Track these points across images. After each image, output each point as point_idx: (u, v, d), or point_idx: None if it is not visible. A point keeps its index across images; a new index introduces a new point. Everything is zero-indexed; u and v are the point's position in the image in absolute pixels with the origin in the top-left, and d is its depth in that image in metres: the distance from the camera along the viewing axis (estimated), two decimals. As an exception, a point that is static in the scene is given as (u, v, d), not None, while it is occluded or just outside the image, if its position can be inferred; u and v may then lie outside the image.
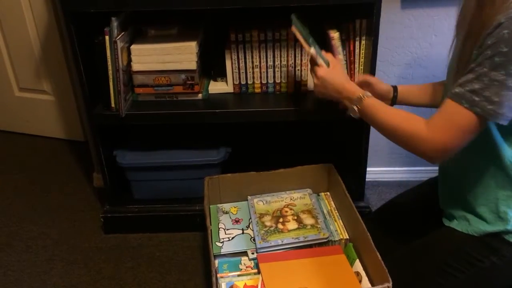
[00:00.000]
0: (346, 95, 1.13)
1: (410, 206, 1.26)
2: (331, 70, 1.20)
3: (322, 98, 1.24)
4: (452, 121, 0.90)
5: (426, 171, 1.85)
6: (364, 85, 1.24)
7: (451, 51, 1.04)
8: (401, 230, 1.23)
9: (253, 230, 1.29)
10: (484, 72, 0.85)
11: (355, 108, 1.09)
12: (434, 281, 1.04)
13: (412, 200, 1.27)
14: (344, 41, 1.44)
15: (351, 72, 1.49)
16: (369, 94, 1.09)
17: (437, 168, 1.14)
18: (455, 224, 1.07)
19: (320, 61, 1.22)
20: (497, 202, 1.00)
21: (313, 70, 1.23)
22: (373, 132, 1.39)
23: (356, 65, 1.51)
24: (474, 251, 1.01)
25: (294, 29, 1.29)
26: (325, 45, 1.43)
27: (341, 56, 1.44)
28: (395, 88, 1.27)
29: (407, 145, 0.97)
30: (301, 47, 1.51)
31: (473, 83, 0.86)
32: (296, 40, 1.50)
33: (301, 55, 1.52)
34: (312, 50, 1.24)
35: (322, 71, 1.20)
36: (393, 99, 1.27)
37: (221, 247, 1.23)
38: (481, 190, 1.01)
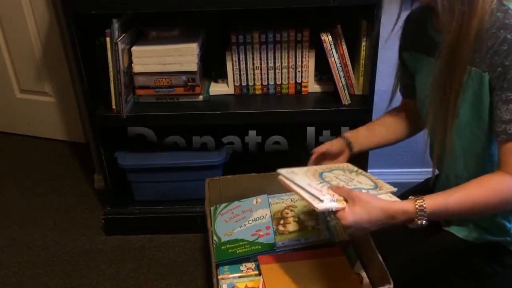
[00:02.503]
0: (398, 221, 0.88)
1: None
2: (355, 209, 0.87)
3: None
4: None
5: (425, 173, 1.84)
6: (321, 159, 1.15)
7: (426, 85, 1.02)
8: (401, 230, 1.23)
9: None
10: None
11: (422, 223, 0.87)
12: (434, 287, 1.04)
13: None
14: (336, 44, 1.44)
15: (347, 75, 1.49)
16: (420, 201, 0.86)
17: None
18: (455, 230, 1.05)
19: (334, 205, 0.90)
20: (495, 214, 0.98)
21: (333, 218, 1.05)
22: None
23: (356, 67, 1.51)
24: (476, 259, 1.01)
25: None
26: (323, 48, 1.43)
27: (334, 59, 1.44)
28: (345, 140, 1.16)
29: (508, 203, 0.88)
30: (303, 49, 1.51)
31: None
32: (297, 42, 1.50)
33: (302, 57, 1.52)
34: (319, 205, 0.90)
35: (346, 216, 0.87)
36: (350, 151, 1.17)
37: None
38: None
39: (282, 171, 1.03)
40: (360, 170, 1.10)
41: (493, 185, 0.86)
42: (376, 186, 0.99)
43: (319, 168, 1.08)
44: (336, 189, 0.92)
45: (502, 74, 0.84)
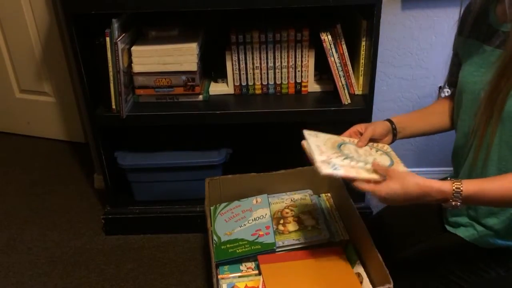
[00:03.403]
0: (433, 199, 0.89)
1: (411, 207, 1.26)
2: (390, 183, 0.89)
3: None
4: None
5: (428, 172, 1.85)
6: (358, 134, 1.13)
7: (476, 73, 0.99)
8: (402, 231, 1.23)
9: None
10: None
11: (457, 203, 0.88)
12: None
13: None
14: (336, 44, 1.44)
15: (346, 74, 1.49)
16: (458, 183, 0.87)
17: (438, 169, 1.14)
18: (461, 232, 1.05)
19: (367, 175, 0.92)
20: (511, 216, 0.98)
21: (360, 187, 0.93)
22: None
23: (356, 66, 1.51)
24: (480, 262, 1.01)
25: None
26: (322, 48, 1.43)
27: (333, 58, 1.44)
28: (392, 125, 1.14)
29: None
30: (302, 48, 1.51)
31: None
32: (296, 42, 1.50)
33: (302, 56, 1.52)
34: (351, 172, 0.93)
35: (380, 190, 0.89)
36: (394, 137, 1.15)
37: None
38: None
39: (306, 132, 1.07)
40: (392, 152, 1.07)
41: None
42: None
43: (346, 139, 1.09)
44: (374, 165, 0.95)
45: None
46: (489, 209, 1.00)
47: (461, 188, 0.86)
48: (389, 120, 1.14)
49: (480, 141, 0.95)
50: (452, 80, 1.12)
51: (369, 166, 0.95)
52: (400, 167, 1.00)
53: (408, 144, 1.86)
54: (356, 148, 1.06)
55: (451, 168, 1.15)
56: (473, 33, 1.02)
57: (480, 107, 0.94)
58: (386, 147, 1.10)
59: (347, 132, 1.12)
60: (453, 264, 1.03)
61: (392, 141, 1.14)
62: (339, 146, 1.04)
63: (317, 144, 1.02)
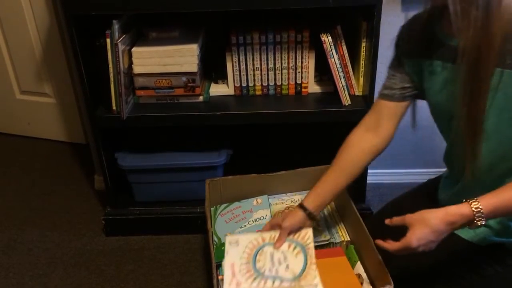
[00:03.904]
0: (458, 225, 0.89)
1: (411, 207, 1.26)
2: (415, 230, 0.90)
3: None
4: None
5: (426, 173, 1.84)
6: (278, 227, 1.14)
7: (443, 91, 0.98)
8: (402, 232, 1.23)
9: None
10: None
11: (482, 223, 0.87)
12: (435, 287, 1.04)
13: (413, 201, 1.27)
14: (336, 45, 1.44)
15: (347, 75, 1.49)
16: (475, 203, 0.86)
17: (437, 170, 1.13)
18: (461, 232, 1.05)
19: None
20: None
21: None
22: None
23: (356, 67, 1.51)
24: (478, 259, 1.01)
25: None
26: (323, 49, 1.44)
27: (334, 59, 1.44)
28: (306, 211, 1.12)
29: None
30: (303, 50, 1.51)
31: None
32: (296, 43, 1.50)
33: (302, 58, 1.52)
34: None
35: (410, 242, 0.90)
36: (313, 219, 1.15)
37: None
38: None
39: (228, 239, 1.16)
40: (310, 245, 1.11)
41: None
42: (296, 277, 1.07)
43: (266, 236, 1.14)
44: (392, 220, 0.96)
45: None
46: None
47: (480, 207, 0.85)
48: (302, 207, 1.12)
49: (469, 155, 0.95)
50: (385, 93, 1.08)
51: (277, 283, 1.05)
52: (311, 269, 1.07)
53: (405, 145, 1.86)
54: (273, 252, 1.11)
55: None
56: (423, 53, 0.99)
57: (459, 126, 0.93)
58: (306, 238, 1.12)
59: (267, 225, 1.17)
60: (451, 262, 1.03)
61: (314, 222, 1.16)
62: (256, 254, 1.11)
63: (232, 262, 1.11)
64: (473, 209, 0.86)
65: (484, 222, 0.86)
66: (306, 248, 1.11)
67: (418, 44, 1.00)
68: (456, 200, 1.05)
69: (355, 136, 1.13)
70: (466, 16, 0.81)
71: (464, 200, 0.87)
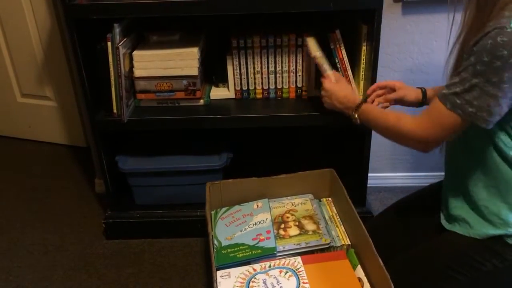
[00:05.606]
0: (348, 105, 1.23)
1: (412, 211, 1.26)
2: (336, 84, 1.32)
3: (329, 108, 1.34)
4: (436, 120, 0.96)
5: (427, 177, 1.85)
6: (389, 89, 1.31)
7: (451, 57, 1.04)
8: (403, 235, 1.23)
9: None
10: (467, 77, 0.89)
11: (355, 114, 1.19)
12: (436, 285, 1.04)
13: (414, 205, 1.27)
14: (335, 49, 1.44)
15: (347, 79, 1.48)
16: (367, 102, 1.18)
17: (438, 173, 1.14)
18: (456, 228, 1.07)
19: (327, 72, 1.36)
20: (500, 205, 0.99)
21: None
22: (375, 137, 1.39)
23: (356, 71, 1.52)
24: (476, 255, 1.01)
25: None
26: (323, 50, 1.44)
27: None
28: (423, 93, 1.27)
29: (399, 141, 1.07)
30: (303, 53, 1.52)
31: (457, 86, 0.91)
32: (297, 46, 1.50)
33: (302, 61, 1.53)
34: (325, 65, 1.36)
35: (328, 83, 1.33)
36: (421, 103, 1.28)
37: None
38: (486, 192, 1.01)
39: (219, 272, 1.15)
40: (300, 269, 1.14)
41: (401, 123, 1.03)
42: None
43: (254, 269, 1.15)
44: (334, 72, 1.37)
45: (468, 55, 0.89)
46: (485, 201, 1.01)
47: (361, 105, 1.18)
48: (422, 91, 1.27)
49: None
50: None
51: None
52: None
53: (406, 148, 1.86)
54: (265, 278, 1.12)
55: None
56: None
57: None
58: (296, 263, 1.16)
59: (374, 86, 1.34)
60: (451, 260, 1.04)
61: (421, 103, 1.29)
62: (248, 282, 1.12)
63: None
64: (358, 102, 1.19)
65: (356, 115, 1.19)
66: (297, 272, 1.14)
67: None
68: (451, 195, 1.07)
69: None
70: None
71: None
